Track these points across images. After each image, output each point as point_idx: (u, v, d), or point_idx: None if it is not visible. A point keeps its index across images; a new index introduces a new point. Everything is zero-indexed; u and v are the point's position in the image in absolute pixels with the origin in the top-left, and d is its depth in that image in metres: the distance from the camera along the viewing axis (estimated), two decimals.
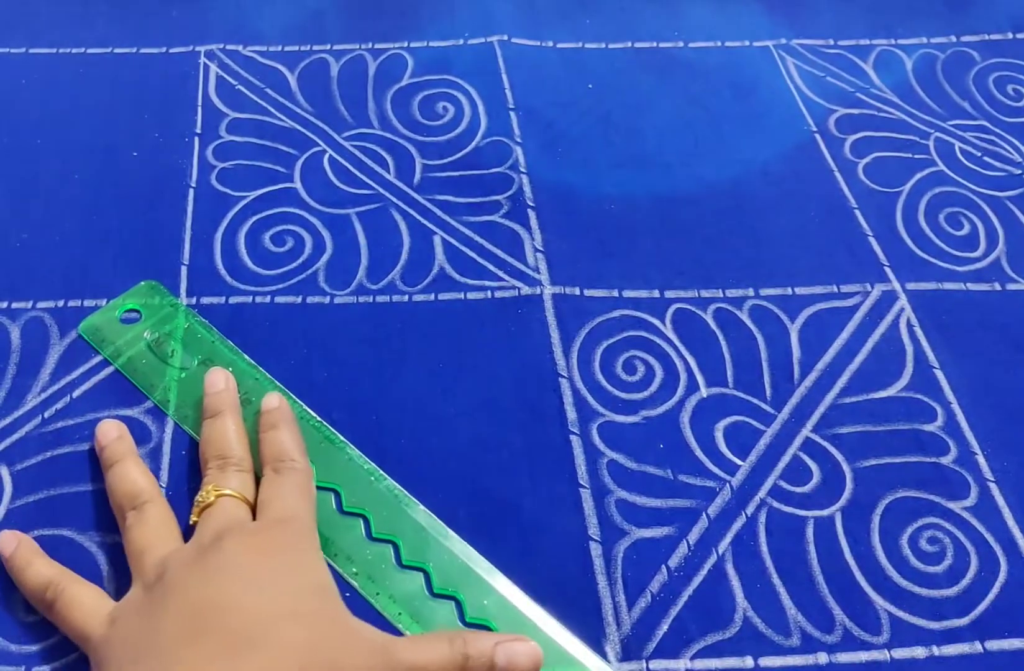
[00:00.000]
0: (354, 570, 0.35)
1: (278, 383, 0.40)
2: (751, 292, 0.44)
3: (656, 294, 0.44)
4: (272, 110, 0.51)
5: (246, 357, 0.41)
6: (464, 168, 0.49)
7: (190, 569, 0.31)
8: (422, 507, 0.37)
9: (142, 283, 0.43)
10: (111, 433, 0.37)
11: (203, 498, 0.34)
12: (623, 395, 0.41)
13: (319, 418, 0.39)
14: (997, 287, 0.45)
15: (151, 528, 0.34)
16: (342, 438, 0.38)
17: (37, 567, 0.33)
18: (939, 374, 0.42)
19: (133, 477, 0.35)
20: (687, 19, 0.57)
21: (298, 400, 0.40)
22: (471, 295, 0.44)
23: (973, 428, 0.40)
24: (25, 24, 0.54)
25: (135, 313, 0.42)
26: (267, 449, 0.36)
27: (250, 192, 0.47)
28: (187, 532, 0.34)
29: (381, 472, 0.38)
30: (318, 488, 0.37)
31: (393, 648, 0.30)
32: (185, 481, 0.37)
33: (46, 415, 0.39)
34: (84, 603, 0.32)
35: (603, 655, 0.34)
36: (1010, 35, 0.57)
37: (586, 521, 0.37)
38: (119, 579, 0.35)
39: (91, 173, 0.47)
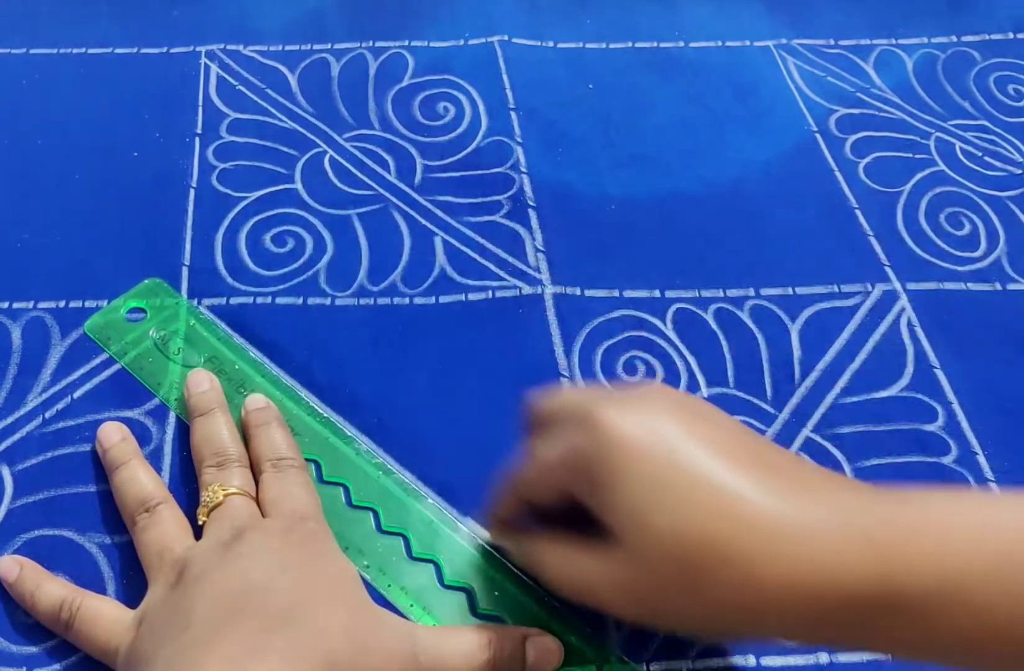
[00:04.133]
0: (365, 563, 0.35)
1: (284, 380, 0.40)
2: (752, 292, 0.45)
3: (657, 294, 0.44)
4: (273, 110, 0.51)
5: (250, 354, 0.41)
6: (465, 168, 0.49)
7: (216, 559, 0.31)
8: (431, 500, 0.37)
9: (147, 281, 0.43)
10: (114, 436, 0.37)
11: (211, 498, 0.34)
12: None
13: (325, 414, 0.39)
14: (998, 287, 0.45)
15: (165, 529, 0.34)
16: (349, 433, 0.39)
17: (46, 588, 0.33)
18: (940, 374, 0.42)
19: (142, 480, 0.35)
20: (688, 19, 0.57)
21: (304, 396, 0.40)
22: (472, 296, 0.44)
23: (974, 428, 0.40)
24: (26, 24, 0.54)
25: (140, 311, 0.42)
26: (261, 446, 0.36)
27: (251, 193, 0.47)
28: (196, 534, 0.34)
29: (389, 466, 0.38)
30: (327, 483, 0.37)
31: (420, 637, 0.31)
32: (187, 482, 0.37)
33: (47, 415, 0.39)
34: (104, 616, 0.32)
35: None
36: (1011, 35, 0.57)
37: None
38: (120, 580, 0.35)
39: (91, 173, 0.47)
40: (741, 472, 0.26)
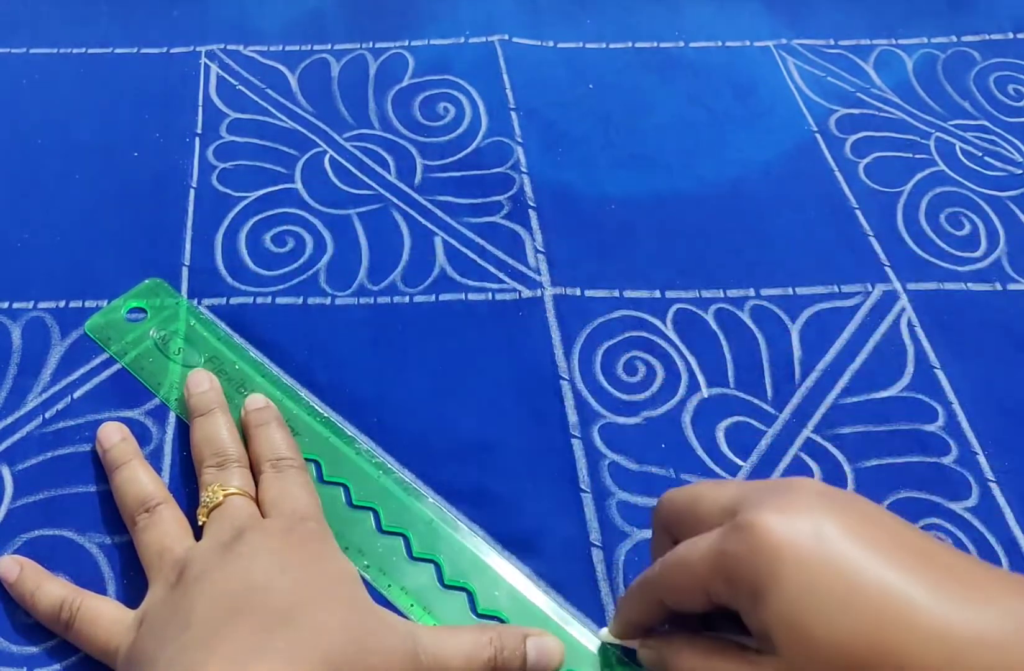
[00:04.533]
0: (366, 563, 0.35)
1: (284, 380, 0.40)
2: (752, 292, 0.44)
3: (657, 294, 0.44)
4: (273, 110, 0.51)
5: (250, 354, 0.41)
6: (465, 168, 0.49)
7: (216, 559, 0.31)
8: (431, 499, 0.37)
9: (147, 280, 0.43)
10: (114, 436, 0.37)
11: (210, 498, 0.34)
12: (624, 396, 0.41)
13: (325, 414, 0.39)
14: (998, 287, 0.45)
15: (166, 530, 0.34)
16: (349, 433, 0.39)
17: (46, 588, 0.33)
18: (940, 374, 0.42)
19: (142, 480, 0.35)
20: (688, 19, 0.57)
21: (304, 396, 0.40)
22: (472, 296, 0.44)
23: (974, 428, 0.40)
24: (26, 24, 0.54)
25: (140, 311, 0.42)
26: (261, 446, 0.36)
27: (251, 192, 0.47)
28: (196, 534, 0.34)
29: (389, 465, 0.38)
30: (327, 483, 0.37)
31: (420, 636, 0.31)
32: (187, 482, 0.37)
33: (47, 415, 0.39)
34: (104, 616, 0.32)
35: None
36: (1011, 35, 0.57)
37: (587, 526, 0.37)
38: (120, 580, 0.35)
39: (91, 173, 0.47)
40: (909, 575, 0.25)
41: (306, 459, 0.37)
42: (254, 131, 0.50)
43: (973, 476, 0.39)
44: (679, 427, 0.40)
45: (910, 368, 0.42)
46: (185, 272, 0.44)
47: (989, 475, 0.39)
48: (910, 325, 0.44)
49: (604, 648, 0.33)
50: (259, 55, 0.54)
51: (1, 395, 0.39)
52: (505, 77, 0.53)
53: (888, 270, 0.46)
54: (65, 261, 0.44)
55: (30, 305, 0.42)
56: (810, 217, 0.48)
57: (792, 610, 0.25)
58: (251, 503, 0.34)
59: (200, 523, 0.34)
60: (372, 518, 0.36)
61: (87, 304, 0.42)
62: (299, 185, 0.48)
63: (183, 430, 0.38)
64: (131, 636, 0.31)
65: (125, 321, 0.42)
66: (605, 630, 0.33)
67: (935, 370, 0.42)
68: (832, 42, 0.56)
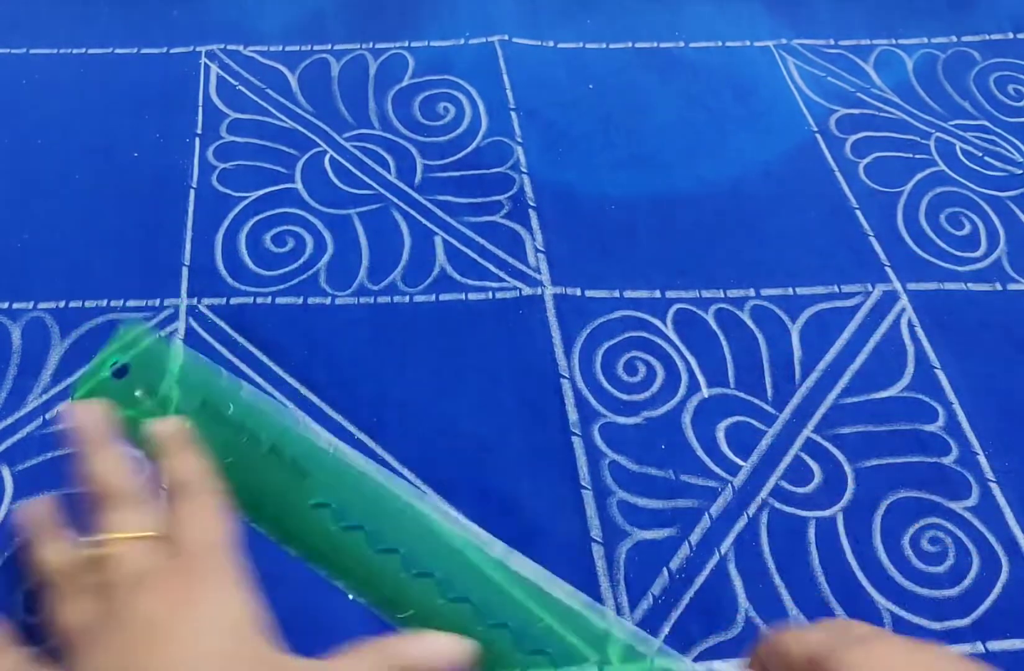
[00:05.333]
0: (402, 615, 0.32)
1: (287, 404, 0.39)
2: (752, 292, 0.45)
3: (657, 294, 0.44)
4: (273, 110, 0.51)
5: (246, 385, 0.36)
6: (465, 168, 0.49)
7: (96, 635, 0.29)
8: (452, 527, 0.33)
9: (121, 329, 0.36)
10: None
11: (93, 552, 0.31)
12: (624, 396, 0.41)
13: (334, 446, 0.34)
14: (998, 287, 0.45)
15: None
16: (360, 469, 0.34)
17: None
18: (940, 374, 0.42)
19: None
20: (688, 19, 0.57)
21: (313, 423, 0.37)
22: (472, 296, 0.44)
23: (974, 428, 0.40)
24: (26, 24, 0.54)
25: (123, 366, 0.36)
26: (169, 476, 0.33)
27: (251, 193, 0.47)
28: None
29: (414, 504, 0.33)
30: (348, 529, 0.33)
31: None
32: None
33: (47, 416, 0.39)
34: None
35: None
36: (1011, 35, 0.57)
37: (588, 523, 0.37)
38: None
39: (91, 173, 0.47)
40: None
41: (320, 504, 0.33)
42: (254, 131, 0.50)
43: (973, 476, 0.39)
44: (679, 427, 0.40)
45: (910, 368, 0.42)
46: (185, 272, 0.44)
47: (989, 475, 0.39)
48: (910, 325, 0.44)
49: (604, 649, 0.33)
50: (259, 55, 0.54)
51: (1, 396, 0.39)
52: (505, 77, 0.53)
53: (888, 270, 0.46)
54: (65, 261, 0.44)
55: (30, 305, 0.42)
56: (810, 217, 0.48)
57: None
58: (134, 547, 0.31)
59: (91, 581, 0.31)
60: (399, 561, 0.32)
61: (87, 304, 0.42)
62: (299, 185, 0.48)
63: None
64: None
65: (111, 380, 0.36)
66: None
67: (935, 370, 0.42)
68: (832, 42, 0.56)
